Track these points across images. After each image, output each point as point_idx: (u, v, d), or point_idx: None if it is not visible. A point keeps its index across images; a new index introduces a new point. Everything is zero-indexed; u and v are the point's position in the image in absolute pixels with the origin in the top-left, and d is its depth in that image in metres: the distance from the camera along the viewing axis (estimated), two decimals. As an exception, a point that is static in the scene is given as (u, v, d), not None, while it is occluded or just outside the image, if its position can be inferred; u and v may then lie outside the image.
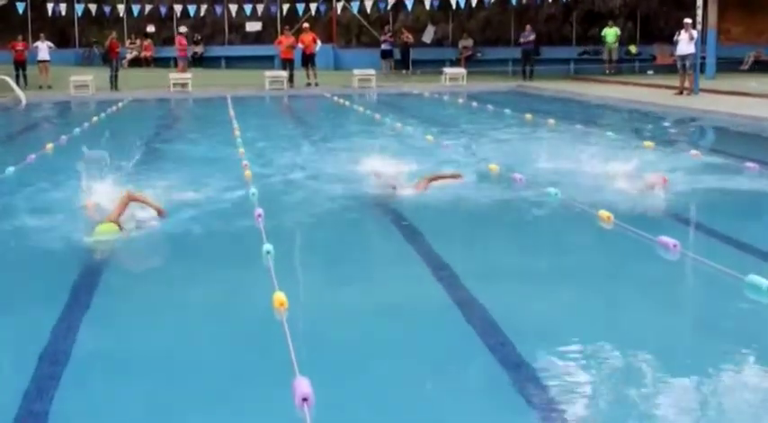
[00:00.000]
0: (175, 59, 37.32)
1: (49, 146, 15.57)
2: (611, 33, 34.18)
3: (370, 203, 10.57)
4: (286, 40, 31.91)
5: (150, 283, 7.49)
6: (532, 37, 33.41)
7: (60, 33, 38.48)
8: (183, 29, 36.90)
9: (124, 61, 35.99)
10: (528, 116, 20.17)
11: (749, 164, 12.49)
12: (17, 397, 4.67)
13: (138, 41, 40.37)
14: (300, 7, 37.72)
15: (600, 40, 35.34)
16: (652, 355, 5.39)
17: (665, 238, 7.78)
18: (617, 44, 34.51)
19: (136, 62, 39.10)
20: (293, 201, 10.83)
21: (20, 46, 31.01)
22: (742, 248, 7.87)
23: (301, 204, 10.51)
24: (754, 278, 6.45)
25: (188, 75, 31.35)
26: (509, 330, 5.75)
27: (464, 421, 4.56)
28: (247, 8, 38.57)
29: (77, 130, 18.61)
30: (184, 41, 35.11)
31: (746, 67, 34.42)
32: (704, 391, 4.91)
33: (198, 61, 39.44)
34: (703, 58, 27.27)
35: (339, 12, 39.16)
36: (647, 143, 15.23)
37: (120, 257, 8.18)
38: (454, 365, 5.38)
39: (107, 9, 38.46)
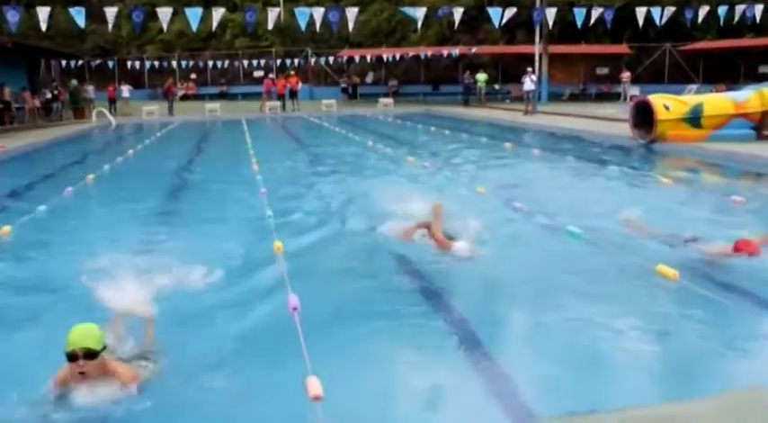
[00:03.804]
0: (210, 95, 38.91)
1: (131, 151, 15.35)
2: (481, 77, 33.98)
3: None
4: (280, 82, 31.95)
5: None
6: (471, 79, 33.06)
7: (136, 80, 38.34)
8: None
9: (177, 97, 35.18)
10: (432, 128, 20.17)
11: (569, 157, 12.74)
12: None
13: (185, 84, 40.25)
14: (288, 61, 38.34)
15: (475, 81, 35.29)
16: (509, 274, 5.43)
17: (516, 203, 7.93)
18: (485, 84, 34.33)
19: (184, 97, 38.63)
20: (286, 167, 11.98)
21: (111, 88, 31.05)
22: (561, 209, 7.89)
23: (291, 169, 11.75)
24: (571, 228, 6.57)
25: (217, 105, 30.67)
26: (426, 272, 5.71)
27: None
28: (254, 62, 38.71)
29: (148, 141, 18.33)
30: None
31: (565, 98, 35.04)
32: (527, 303, 4.84)
33: (223, 96, 39.26)
34: (540, 92, 27.57)
35: (313, 64, 39.83)
36: (507, 144, 15.43)
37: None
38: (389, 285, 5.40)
39: (165, 64, 38.99)
